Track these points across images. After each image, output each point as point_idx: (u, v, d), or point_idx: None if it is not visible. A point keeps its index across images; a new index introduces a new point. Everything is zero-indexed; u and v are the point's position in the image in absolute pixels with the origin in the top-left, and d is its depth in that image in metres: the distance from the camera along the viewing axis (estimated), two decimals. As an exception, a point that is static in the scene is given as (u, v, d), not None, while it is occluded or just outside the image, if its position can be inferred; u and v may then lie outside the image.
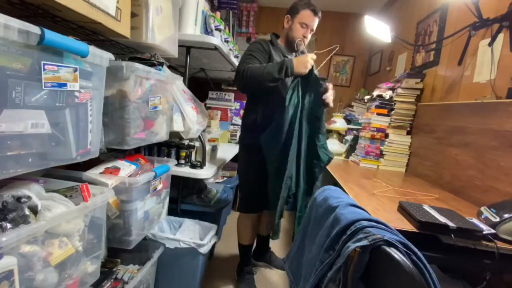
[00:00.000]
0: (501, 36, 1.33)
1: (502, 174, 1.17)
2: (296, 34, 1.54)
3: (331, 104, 1.46)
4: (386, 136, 2.04)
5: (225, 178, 2.55)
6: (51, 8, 0.73)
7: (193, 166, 1.54)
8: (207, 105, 2.69)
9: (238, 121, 2.73)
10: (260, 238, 1.93)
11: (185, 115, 1.41)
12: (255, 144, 1.51)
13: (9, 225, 0.61)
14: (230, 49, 1.94)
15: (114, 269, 1.20)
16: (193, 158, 1.61)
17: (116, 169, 1.07)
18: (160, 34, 1.13)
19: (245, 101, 1.72)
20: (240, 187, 1.71)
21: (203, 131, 1.68)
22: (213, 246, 1.90)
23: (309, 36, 1.57)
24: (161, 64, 1.17)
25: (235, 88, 2.92)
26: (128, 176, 1.07)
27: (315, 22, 1.54)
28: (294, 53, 1.62)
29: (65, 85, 0.68)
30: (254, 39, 1.73)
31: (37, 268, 0.65)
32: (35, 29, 0.58)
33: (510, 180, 1.13)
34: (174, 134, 1.42)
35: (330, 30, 3.56)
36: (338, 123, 2.66)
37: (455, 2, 1.75)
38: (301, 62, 1.36)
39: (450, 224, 0.87)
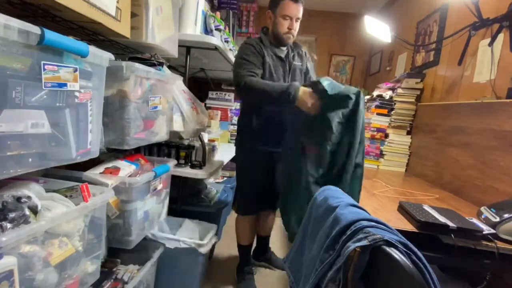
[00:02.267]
0: (501, 36, 1.33)
1: (502, 174, 1.17)
2: (281, 28, 1.46)
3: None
4: (386, 136, 2.04)
5: (225, 178, 2.55)
6: (51, 8, 0.73)
7: (193, 166, 1.54)
8: (207, 105, 2.69)
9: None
10: (260, 238, 1.92)
11: (185, 115, 1.41)
12: (251, 146, 1.51)
13: (9, 225, 0.61)
14: (230, 49, 1.94)
15: (114, 269, 1.20)
16: (193, 158, 1.61)
17: (116, 169, 1.07)
18: (160, 34, 1.13)
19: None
20: (237, 190, 1.70)
21: (203, 131, 1.68)
22: (213, 246, 1.90)
23: (297, 26, 1.47)
24: (161, 64, 1.17)
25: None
26: (128, 176, 1.07)
27: (299, 10, 1.44)
28: (284, 48, 1.54)
29: (65, 85, 0.68)
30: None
31: (37, 268, 0.65)
32: (35, 29, 0.58)
33: (510, 180, 1.13)
34: (174, 134, 1.42)
35: (330, 30, 3.56)
36: (338, 123, 2.65)
37: (455, 2, 1.75)
38: (307, 98, 1.23)
39: (450, 224, 0.87)
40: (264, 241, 1.94)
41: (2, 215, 0.62)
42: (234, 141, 2.62)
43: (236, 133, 1.67)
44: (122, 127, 0.98)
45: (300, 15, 1.46)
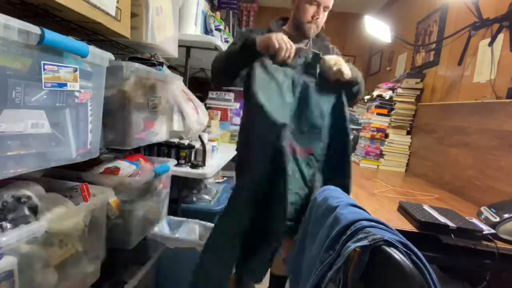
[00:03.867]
0: (501, 36, 1.33)
1: (502, 174, 1.17)
2: (304, 15, 1.17)
3: (345, 73, 1.06)
4: (386, 136, 2.04)
5: (225, 178, 2.55)
6: (51, 8, 0.73)
7: (193, 166, 1.54)
8: (207, 105, 2.68)
9: (239, 121, 2.73)
10: (275, 279, 1.43)
11: (185, 115, 1.41)
12: None
13: (9, 225, 0.61)
14: (230, 49, 1.94)
15: (114, 269, 1.20)
16: (193, 158, 1.61)
17: (116, 169, 1.07)
18: (160, 34, 1.13)
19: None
20: None
21: (203, 131, 1.67)
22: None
23: (323, 16, 1.21)
24: (161, 64, 1.17)
25: (235, 88, 2.92)
26: (128, 176, 1.07)
27: None
28: (306, 41, 1.25)
29: (65, 85, 0.68)
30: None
31: (37, 268, 0.65)
32: (35, 29, 0.58)
33: (510, 180, 1.13)
34: (174, 134, 1.42)
35: (330, 30, 3.55)
36: (338, 123, 2.65)
37: (455, 2, 1.75)
38: (265, 39, 1.03)
39: (450, 224, 0.87)
40: (279, 283, 1.41)
41: (2, 215, 0.62)
42: (234, 141, 2.61)
43: (236, 133, 1.49)
44: (122, 127, 0.98)
45: (330, 4, 1.19)
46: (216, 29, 1.69)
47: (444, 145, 1.61)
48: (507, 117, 1.19)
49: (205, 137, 1.81)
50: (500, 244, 0.86)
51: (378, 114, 2.05)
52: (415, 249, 0.61)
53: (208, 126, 2.16)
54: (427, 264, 0.59)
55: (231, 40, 2.04)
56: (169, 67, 1.35)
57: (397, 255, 0.59)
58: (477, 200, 1.26)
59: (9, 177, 0.62)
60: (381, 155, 2.05)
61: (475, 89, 1.49)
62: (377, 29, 2.14)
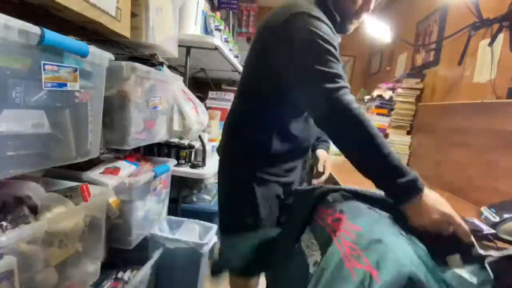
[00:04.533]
0: (501, 36, 1.33)
1: (502, 174, 1.17)
2: (350, 5, 0.91)
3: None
4: (386, 136, 2.04)
5: (225, 178, 2.55)
6: (51, 8, 0.73)
7: (193, 166, 1.54)
8: (207, 105, 2.68)
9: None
10: None
11: (185, 115, 1.41)
12: (262, 177, 0.97)
13: (9, 225, 0.61)
14: (230, 49, 1.94)
15: (114, 269, 1.20)
16: (193, 158, 1.61)
17: (116, 169, 1.07)
18: (160, 34, 1.13)
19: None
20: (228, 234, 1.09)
21: (203, 131, 1.68)
22: (213, 246, 1.90)
23: (371, 5, 0.96)
24: (161, 64, 1.17)
25: (235, 88, 2.92)
26: (128, 176, 1.07)
27: None
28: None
29: (65, 85, 0.68)
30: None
31: (37, 268, 0.65)
32: (35, 29, 0.58)
33: (510, 180, 1.13)
34: (174, 134, 1.42)
35: (330, 30, 3.55)
36: (338, 123, 2.65)
37: (455, 2, 1.75)
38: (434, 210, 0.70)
39: (450, 224, 0.87)
40: None
41: (2, 215, 0.62)
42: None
43: (225, 154, 1.11)
44: (122, 127, 0.98)
45: None
46: (216, 29, 1.69)
47: (444, 145, 1.61)
48: (507, 117, 1.18)
49: (205, 137, 1.81)
50: (500, 244, 0.86)
51: (378, 114, 2.05)
52: (415, 249, 0.61)
53: (208, 126, 2.16)
54: (427, 264, 0.59)
55: (231, 40, 2.04)
56: (169, 67, 1.35)
57: (397, 255, 0.58)
58: (477, 200, 1.26)
59: (9, 177, 0.62)
60: (381, 155, 2.05)
61: (475, 89, 1.49)
62: (377, 29, 2.14)
